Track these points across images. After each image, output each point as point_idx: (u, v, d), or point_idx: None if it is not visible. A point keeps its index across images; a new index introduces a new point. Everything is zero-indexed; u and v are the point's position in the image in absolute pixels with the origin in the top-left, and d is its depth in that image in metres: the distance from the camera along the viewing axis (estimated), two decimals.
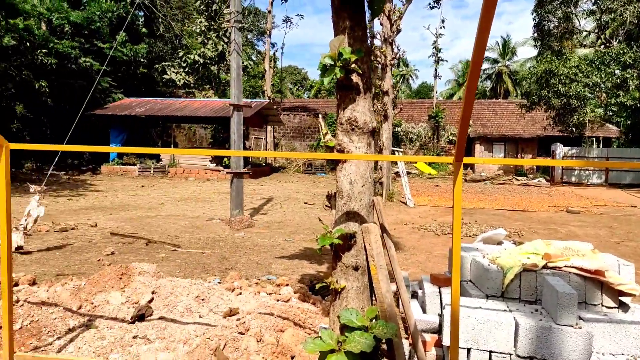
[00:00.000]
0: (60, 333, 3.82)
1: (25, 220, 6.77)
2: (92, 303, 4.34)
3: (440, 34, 33.84)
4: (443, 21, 32.77)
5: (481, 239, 4.75)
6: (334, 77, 2.97)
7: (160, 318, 4.05)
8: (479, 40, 1.85)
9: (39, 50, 20.70)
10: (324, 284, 3.19)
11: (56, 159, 7.13)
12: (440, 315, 3.48)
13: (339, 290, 3.01)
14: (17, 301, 4.32)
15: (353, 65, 2.97)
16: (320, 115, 3.63)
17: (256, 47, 45.79)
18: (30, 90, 20.87)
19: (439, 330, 3.39)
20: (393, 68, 15.69)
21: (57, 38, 23.19)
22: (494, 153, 32.34)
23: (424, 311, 3.69)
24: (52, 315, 4.05)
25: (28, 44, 20.07)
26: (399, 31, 15.15)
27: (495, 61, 51.03)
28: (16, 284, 5.10)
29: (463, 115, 2.20)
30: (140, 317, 4.04)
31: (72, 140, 7.20)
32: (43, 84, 20.63)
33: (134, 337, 3.72)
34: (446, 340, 2.98)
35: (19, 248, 6.70)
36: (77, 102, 22.25)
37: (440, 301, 3.60)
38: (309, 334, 3.67)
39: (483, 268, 3.49)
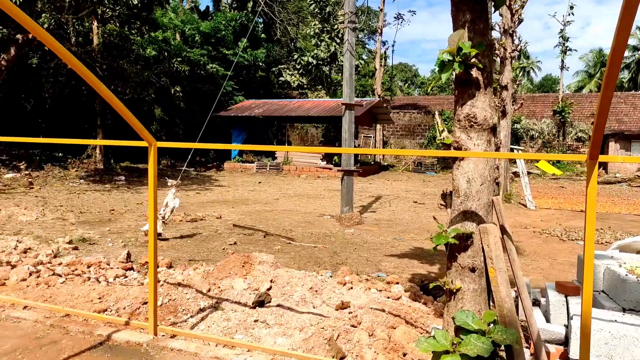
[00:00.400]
0: (192, 312, 4.27)
1: (164, 210, 7.65)
2: (219, 287, 4.77)
3: (568, 21, 30.78)
4: (572, 7, 29.72)
5: (617, 246, 4.28)
6: (452, 72, 2.91)
7: (277, 305, 4.32)
8: (622, 25, 1.69)
9: (174, 59, 23.15)
10: (438, 283, 3.14)
11: (189, 156, 7.93)
12: (567, 326, 3.22)
13: (454, 291, 2.94)
14: (158, 281, 4.92)
15: (473, 60, 2.87)
16: (437, 112, 3.57)
17: (367, 46, 45.98)
18: (166, 95, 23.43)
19: (564, 342, 3.14)
20: (513, 61, 14.69)
21: (189, 47, 25.70)
22: (632, 152, 28.58)
23: (548, 320, 3.44)
24: (186, 296, 4.54)
25: (166, 53, 22.55)
26: (520, 21, 14.14)
27: (635, 49, 44.96)
28: (157, 266, 5.80)
29: (600, 108, 2.02)
30: (260, 303, 4.35)
31: (200, 139, 7.95)
32: (177, 89, 23.01)
33: (255, 320, 4.02)
34: (574, 353, 2.75)
35: (158, 235, 7.59)
36: (204, 104, 24.44)
37: (567, 311, 3.33)
38: (421, 334, 3.64)
39: (620, 278, 3.15)
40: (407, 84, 60.05)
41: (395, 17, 32.39)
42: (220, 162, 25.75)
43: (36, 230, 7.91)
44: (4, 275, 5.15)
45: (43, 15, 14.83)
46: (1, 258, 5.74)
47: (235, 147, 3.19)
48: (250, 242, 7.76)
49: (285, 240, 8.00)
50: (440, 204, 3.26)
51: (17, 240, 6.82)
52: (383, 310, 4.00)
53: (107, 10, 15.54)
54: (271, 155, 25.85)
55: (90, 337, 3.64)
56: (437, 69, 3.06)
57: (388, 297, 4.60)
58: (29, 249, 6.47)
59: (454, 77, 3.09)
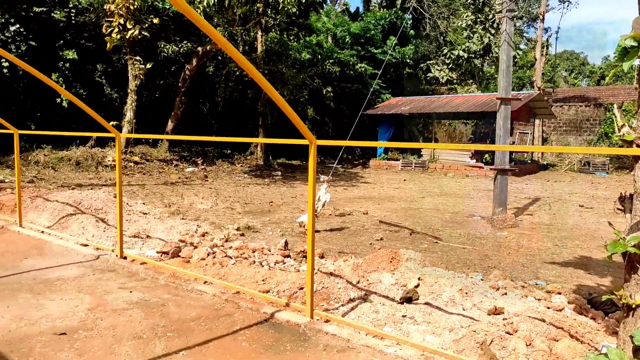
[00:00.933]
0: (343, 301, 4.51)
1: (316, 204, 8.16)
2: (367, 280, 4.95)
3: None
4: None
5: None
6: (637, 60, 2.58)
7: (425, 303, 4.32)
8: None
9: (326, 61, 24.36)
10: (611, 297, 2.82)
11: (340, 154, 8.30)
12: None
13: (633, 306, 2.62)
14: (313, 270, 5.30)
15: None
16: (615, 105, 3.19)
17: (525, 34, 42.28)
18: (318, 96, 24.78)
19: None
20: None
21: (339, 49, 26.78)
22: None
23: None
24: (337, 285, 4.81)
25: (319, 56, 23.87)
26: None
27: None
28: (314, 256, 6.23)
29: None
30: (407, 300, 4.39)
31: (349, 138, 8.27)
32: (328, 90, 24.19)
33: (403, 316, 4.08)
34: None
35: None
36: (352, 103, 25.21)
37: None
38: (589, 350, 3.30)
39: None
40: (572, 74, 53.67)
41: (560, 1, 29.20)
42: (365, 160, 26.30)
43: (211, 217, 9.11)
44: (189, 254, 6.08)
45: (218, 28, 16.93)
46: (186, 239, 6.77)
47: (384, 144, 3.36)
48: (396, 239, 7.83)
49: (432, 240, 7.88)
50: (618, 209, 2.91)
51: (197, 225, 7.96)
52: (543, 321, 3.72)
53: (270, 19, 17.10)
54: (417, 152, 25.52)
55: (257, 314, 4.11)
56: (613, 56, 2.75)
57: (548, 307, 4.24)
58: (206, 232, 7.50)
59: (637, 65, 2.74)
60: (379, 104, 27.89)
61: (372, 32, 28.22)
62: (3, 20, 15.22)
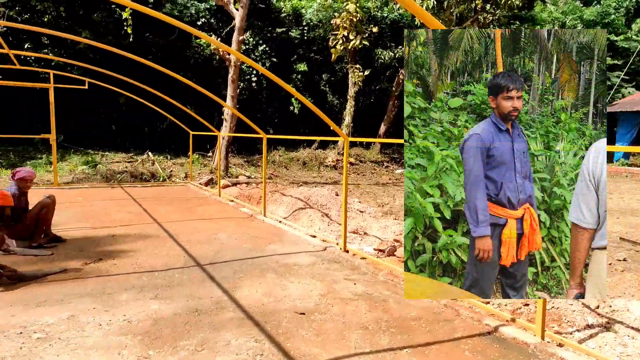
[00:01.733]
0: (578, 326, 4.01)
1: None
2: (610, 306, 4.29)
3: None
4: None
5: None
6: None
7: None
8: None
9: None
10: None
11: None
12: None
13: None
14: None
15: None
16: None
17: None
18: None
19: None
20: None
21: None
22: None
23: None
24: (571, 307, 4.30)
25: None
26: None
27: None
28: None
29: None
30: None
31: None
32: None
33: None
34: None
35: None
36: None
37: None
38: None
39: None
40: None
41: None
42: None
43: None
44: (393, 251, 6.27)
45: None
46: (400, 239, 6.99)
47: (623, 149, 2.89)
48: None
49: None
50: None
51: None
52: None
53: (488, 15, 16.27)
54: None
55: (478, 324, 3.98)
56: None
57: None
58: None
59: None
60: (617, 100, 23.71)
61: (613, 16, 24.11)
62: (254, 42, 18.28)
